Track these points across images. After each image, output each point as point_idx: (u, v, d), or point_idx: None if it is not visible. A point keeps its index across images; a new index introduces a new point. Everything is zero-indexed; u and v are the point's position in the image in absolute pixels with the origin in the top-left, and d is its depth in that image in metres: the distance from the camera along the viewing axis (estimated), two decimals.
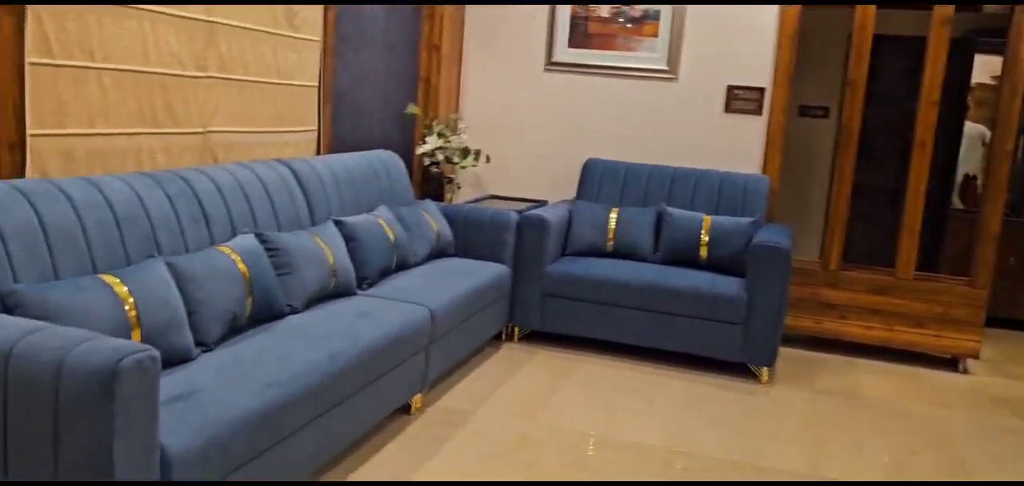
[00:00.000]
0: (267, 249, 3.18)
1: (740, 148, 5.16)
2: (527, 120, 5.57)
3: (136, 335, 2.44)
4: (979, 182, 6.08)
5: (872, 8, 4.76)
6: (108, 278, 2.48)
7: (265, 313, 3.05)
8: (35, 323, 2.10)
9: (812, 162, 6.45)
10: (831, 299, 4.92)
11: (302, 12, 4.09)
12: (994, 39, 5.82)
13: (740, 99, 5.19)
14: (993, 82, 6.50)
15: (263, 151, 3.96)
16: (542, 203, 5.36)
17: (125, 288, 2.47)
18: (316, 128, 4.37)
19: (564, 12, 5.45)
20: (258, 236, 3.20)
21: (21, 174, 2.73)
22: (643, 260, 4.78)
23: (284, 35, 3.98)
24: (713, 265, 4.64)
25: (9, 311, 2.25)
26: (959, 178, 6.07)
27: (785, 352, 4.79)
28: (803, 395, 4.21)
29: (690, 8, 5.19)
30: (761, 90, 5.11)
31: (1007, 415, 4.16)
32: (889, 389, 4.40)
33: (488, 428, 3.50)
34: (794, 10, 4.93)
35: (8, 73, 2.65)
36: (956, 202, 6.02)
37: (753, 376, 4.36)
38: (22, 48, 2.66)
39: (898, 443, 3.70)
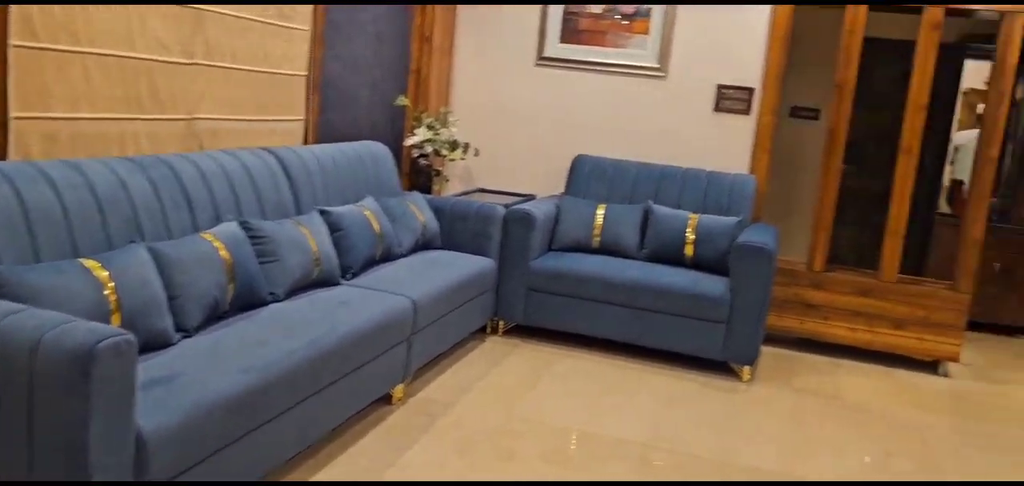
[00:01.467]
0: (251, 237, 3.19)
1: (728, 147, 5.18)
2: (517, 115, 5.58)
3: (115, 319, 2.45)
4: (967, 188, 6.10)
5: (863, 10, 4.78)
6: (88, 262, 2.49)
7: (247, 300, 3.06)
8: (13, 305, 2.11)
9: (802, 164, 6.47)
10: (815, 300, 4.95)
11: None
12: (985, 45, 5.86)
13: (729, 99, 5.21)
14: (985, 88, 6.55)
15: (250, 139, 3.97)
16: (530, 197, 5.37)
17: (106, 272, 2.49)
18: (304, 117, 4.37)
19: (557, 8, 5.46)
20: (242, 223, 3.21)
21: (3, 157, 2.74)
22: (629, 257, 4.80)
23: (273, 23, 3.99)
24: (698, 264, 4.66)
25: None
26: (946, 183, 6.10)
27: (768, 351, 4.82)
28: (784, 394, 4.23)
29: (682, 7, 5.20)
30: (750, 90, 5.13)
31: (985, 421, 4.20)
32: (869, 390, 4.43)
33: (468, 419, 3.52)
34: (787, 11, 4.95)
35: None
36: (943, 207, 6.05)
37: (735, 375, 4.39)
38: (6, 31, 2.67)
39: (876, 445, 3.73)
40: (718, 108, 5.22)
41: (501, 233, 4.64)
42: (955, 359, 4.76)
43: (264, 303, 3.15)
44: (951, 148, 6.13)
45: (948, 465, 3.60)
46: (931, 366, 4.86)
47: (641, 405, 3.89)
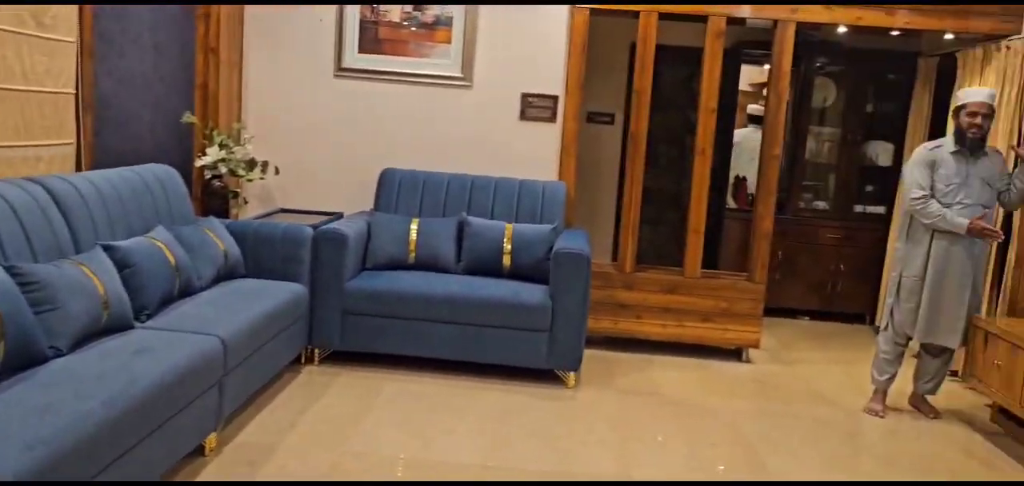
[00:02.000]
0: (20, 284, 2.71)
1: (536, 155, 5.19)
2: (318, 129, 5.28)
3: None
4: (751, 184, 6.56)
5: (654, 19, 4.97)
6: None
7: (22, 358, 2.59)
8: None
9: (600, 167, 6.66)
10: (627, 300, 5.08)
11: (53, 9, 3.57)
12: (756, 51, 6.34)
13: (534, 107, 5.23)
14: (751, 89, 7.09)
15: (10, 168, 3.41)
16: (338, 216, 5.09)
17: None
18: (75, 140, 3.84)
19: (353, 15, 5.22)
20: (8, 268, 2.72)
21: None
22: (447, 271, 4.67)
23: (31, 35, 3.45)
24: (517, 273, 4.62)
25: None
26: (731, 179, 6.52)
27: (588, 354, 4.87)
28: (609, 397, 4.29)
29: (483, 16, 5.15)
30: (554, 98, 5.18)
31: (787, 401, 4.49)
32: (685, 384, 4.60)
33: (293, 463, 3.22)
34: (582, 18, 5.04)
35: None
36: (730, 202, 6.46)
37: (561, 382, 4.39)
38: None
39: (698, 437, 3.86)
40: (524, 116, 5.23)
41: (311, 255, 4.34)
42: (756, 345, 5.07)
43: (45, 359, 2.68)
44: (742, 148, 6.56)
45: (763, 449, 3.79)
46: (736, 354, 5.15)
47: (472, 424, 3.77)
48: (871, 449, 3.93)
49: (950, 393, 4.56)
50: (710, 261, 6.12)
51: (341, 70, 5.26)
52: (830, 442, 3.94)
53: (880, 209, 6.27)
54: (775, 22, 4.95)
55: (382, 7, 5.20)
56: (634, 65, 6.34)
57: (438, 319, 4.34)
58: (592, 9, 5.04)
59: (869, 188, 6.37)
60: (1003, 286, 4.56)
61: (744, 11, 4.94)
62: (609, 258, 6.10)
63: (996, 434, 4.13)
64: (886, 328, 4.37)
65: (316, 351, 4.43)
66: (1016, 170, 4.18)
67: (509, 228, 4.71)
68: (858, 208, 6.32)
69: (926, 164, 4.17)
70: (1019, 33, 4.79)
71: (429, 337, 4.35)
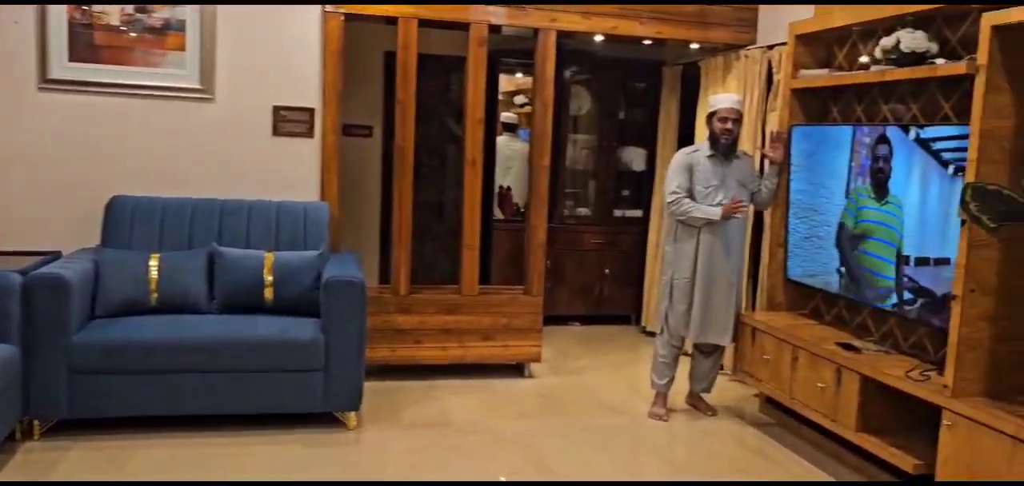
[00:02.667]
0: None
1: (294, 174, 4.69)
2: (21, 152, 4.37)
3: None
4: (515, 193, 6.50)
5: (414, 26, 4.70)
6: None
7: None
8: None
9: (360, 184, 6.27)
10: (404, 325, 4.75)
11: None
12: (510, 60, 6.30)
13: (289, 121, 4.73)
14: (502, 97, 7.06)
15: None
16: (55, 255, 4.23)
17: None
18: None
19: (58, 17, 4.38)
20: None
21: None
22: (198, 312, 4.05)
23: None
24: (282, 307, 4.12)
25: None
26: (496, 190, 6.41)
27: (366, 388, 4.47)
28: (396, 434, 3.94)
29: (223, 19, 4.56)
30: (311, 111, 4.71)
31: (575, 413, 4.41)
32: (472, 408, 4.36)
33: None
34: (336, 24, 4.63)
35: None
36: (497, 213, 6.36)
37: (341, 424, 3.96)
38: None
39: (494, 466, 3.63)
40: (278, 131, 4.70)
41: (22, 307, 3.55)
42: (537, 359, 4.97)
43: None
44: (506, 158, 6.47)
45: (560, 466, 3.65)
46: (517, 369, 5.00)
47: None
48: (660, 453, 3.94)
49: (720, 389, 4.74)
50: (481, 274, 5.96)
51: (48, 82, 4.40)
52: (621, 451, 3.91)
53: (637, 212, 6.48)
54: (536, 30, 4.88)
55: (95, 7, 4.43)
56: (390, 74, 6.11)
57: (191, 369, 3.74)
58: (347, 14, 4.65)
59: (626, 192, 6.57)
60: (759, 281, 4.82)
61: (503, 18, 4.80)
62: (376, 281, 5.74)
63: (767, 424, 4.33)
64: (661, 332, 4.44)
65: (36, 424, 3.63)
66: (767, 172, 4.42)
67: (269, 257, 4.19)
68: (617, 212, 6.49)
69: (684, 168, 4.29)
70: (754, 42, 5.11)
71: (182, 391, 3.74)
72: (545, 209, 4.99)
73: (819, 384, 3.69)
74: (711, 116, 4.32)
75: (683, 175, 4.28)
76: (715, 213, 4.19)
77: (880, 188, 3.74)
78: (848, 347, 3.67)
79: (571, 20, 4.89)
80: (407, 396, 4.48)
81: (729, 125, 4.24)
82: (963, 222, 2.95)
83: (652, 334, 6.08)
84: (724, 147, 4.27)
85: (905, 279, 3.58)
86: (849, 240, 3.95)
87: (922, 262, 3.50)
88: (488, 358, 4.88)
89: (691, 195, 4.27)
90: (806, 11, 4.44)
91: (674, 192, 4.27)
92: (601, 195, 6.50)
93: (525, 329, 4.92)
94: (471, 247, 4.86)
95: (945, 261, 3.36)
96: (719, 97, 4.39)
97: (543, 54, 4.89)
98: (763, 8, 5.08)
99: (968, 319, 2.95)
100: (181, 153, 4.56)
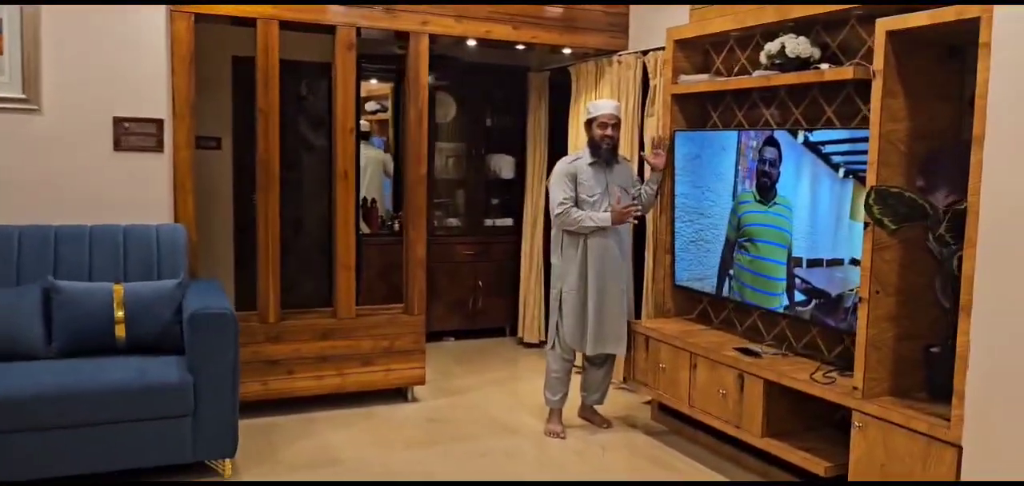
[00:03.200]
0: None
1: (141, 194, 4.15)
2: None
3: None
4: (379, 205, 6.18)
5: (275, 29, 4.31)
6: None
7: None
8: None
9: (210, 201, 5.74)
10: (276, 355, 4.35)
11: None
12: (368, 65, 5.98)
13: (133, 134, 4.20)
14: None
15: None
16: None
17: None
18: None
19: None
20: None
21: None
22: (33, 358, 3.50)
23: None
24: (136, 346, 3.63)
25: None
26: (360, 202, 6.07)
27: (240, 427, 4.05)
28: (277, 478, 3.55)
29: (48, 17, 3.97)
30: (159, 122, 4.20)
31: (470, 437, 4.18)
32: (358, 442, 4.04)
33: None
34: (185, 26, 4.16)
35: None
36: (364, 228, 6.01)
37: (214, 472, 3.53)
38: None
39: None
40: (120, 146, 4.16)
41: None
42: (421, 382, 4.69)
43: None
44: (366, 168, 6.13)
45: None
46: (400, 393, 4.70)
47: None
48: (566, 472, 3.79)
49: (607, 399, 4.66)
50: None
51: None
52: (527, 473, 3.72)
53: (508, 221, 6.34)
54: (408, 34, 4.61)
55: None
56: (240, 80, 5.65)
57: (28, 427, 3.20)
58: (197, 15, 4.20)
59: (495, 201, 6.42)
60: (644, 288, 4.79)
61: (373, 20, 4.50)
62: (233, 307, 5.25)
63: (663, 433, 4.28)
64: (553, 346, 4.30)
65: None
66: (649, 177, 4.38)
67: (118, 289, 3.69)
68: (488, 222, 6.32)
69: (568, 177, 4.18)
70: (626, 47, 5.09)
71: (20, 454, 3.19)
72: (424, 222, 4.73)
73: (721, 391, 3.66)
74: (591, 122, 4.23)
75: (568, 184, 4.17)
76: (605, 219, 4.10)
77: (767, 191, 3.77)
78: (747, 352, 3.67)
79: (444, 24, 4.67)
80: (284, 433, 4.08)
81: (610, 131, 4.16)
82: (866, 225, 2.98)
83: (531, 345, 5.99)
84: (606, 154, 4.19)
85: (798, 280, 3.62)
86: (737, 243, 3.97)
87: (815, 263, 3.55)
88: (369, 385, 4.55)
89: (577, 204, 4.17)
90: (676, 14, 4.44)
91: (561, 203, 4.15)
92: (471, 205, 6.30)
93: (407, 351, 4.64)
94: (347, 266, 4.52)
95: (838, 262, 3.41)
96: (599, 103, 4.31)
97: (416, 59, 4.63)
98: (634, 10, 5.07)
99: (874, 320, 2.98)
100: (1, 173, 3.93)
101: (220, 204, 5.78)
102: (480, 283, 6.20)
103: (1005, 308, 2.48)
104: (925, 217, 2.90)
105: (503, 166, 6.37)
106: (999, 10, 2.49)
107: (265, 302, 4.36)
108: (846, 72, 3.29)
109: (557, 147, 5.82)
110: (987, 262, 2.53)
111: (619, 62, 5.05)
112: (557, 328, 4.28)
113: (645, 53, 4.81)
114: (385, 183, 6.44)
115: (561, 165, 4.28)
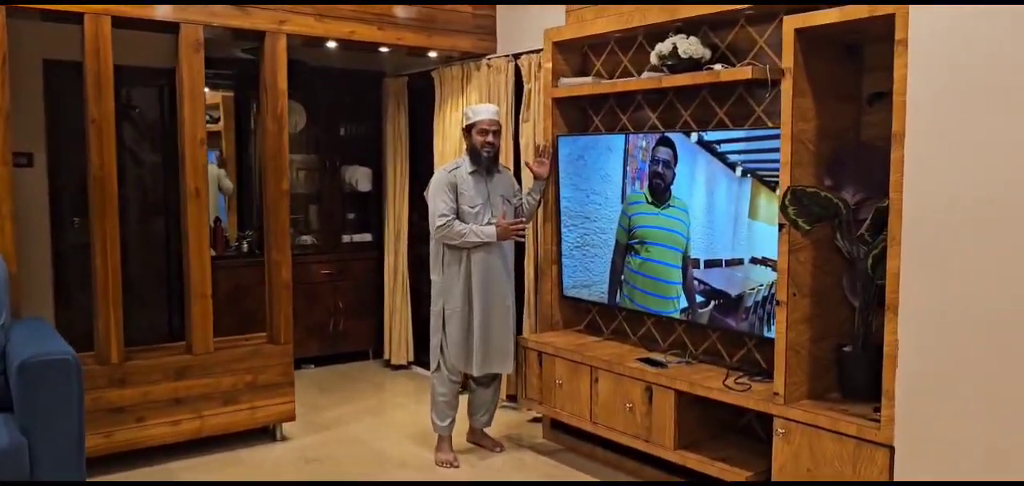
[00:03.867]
0: None
1: None
2: None
3: None
4: (226, 226, 5.62)
5: (108, 26, 3.75)
6: None
7: None
8: None
9: (22, 226, 4.95)
10: (121, 401, 3.76)
11: None
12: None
13: None
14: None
15: None
16: None
17: None
18: None
19: None
20: None
21: None
22: None
23: None
24: None
25: None
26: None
27: None
28: None
29: None
30: None
31: (357, 475, 3.79)
32: None
33: None
34: None
35: None
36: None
37: None
38: None
39: None
40: None
41: None
42: (291, 417, 4.23)
43: None
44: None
45: None
46: (268, 433, 4.22)
47: None
48: None
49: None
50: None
51: None
52: None
53: (367, 236, 5.97)
54: (263, 33, 4.17)
55: None
56: (53, 87, 4.96)
57: None
58: (8, 9, 3.57)
59: (352, 216, 6.01)
60: (526, 301, 4.59)
61: (224, 18, 4.02)
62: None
63: (558, 452, 4.09)
64: (438, 369, 4.01)
65: None
66: (531, 187, 4.20)
67: None
68: (346, 238, 5.91)
69: (448, 187, 3.93)
70: (494, 51, 4.90)
71: None
72: (288, 242, 4.29)
73: (627, 405, 3.52)
74: (470, 129, 3.99)
75: (448, 195, 3.91)
76: (491, 234, 3.88)
77: (661, 193, 3.69)
78: (652, 363, 3.55)
79: (304, 23, 4.26)
80: None
81: (491, 138, 3.95)
82: (781, 226, 2.93)
83: (400, 367, 5.65)
84: (486, 161, 3.97)
85: (696, 282, 3.55)
86: (628, 247, 3.86)
87: (713, 264, 3.49)
88: (232, 426, 4.05)
89: (458, 216, 3.92)
90: (545, 16, 4.29)
91: (443, 215, 3.88)
92: (326, 220, 5.86)
93: (274, 385, 4.17)
94: (203, 295, 4.00)
95: (738, 261, 3.37)
96: (478, 108, 4.08)
97: (272, 61, 4.20)
98: (501, 10, 4.87)
99: (792, 323, 2.94)
100: None
101: (34, 229, 5.01)
102: (340, 304, 5.78)
103: (933, 306, 2.48)
104: (837, 216, 2.89)
105: (360, 178, 5.98)
106: (915, 8, 2.49)
107: (106, 340, 3.77)
108: (744, 72, 3.26)
109: (420, 157, 5.53)
110: (912, 260, 2.53)
111: (489, 66, 4.84)
112: (441, 349, 4.00)
113: (518, 56, 4.63)
114: (220, 200, 5.83)
115: (440, 175, 4.01)
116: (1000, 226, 2.34)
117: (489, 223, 3.94)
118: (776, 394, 2.96)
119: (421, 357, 5.63)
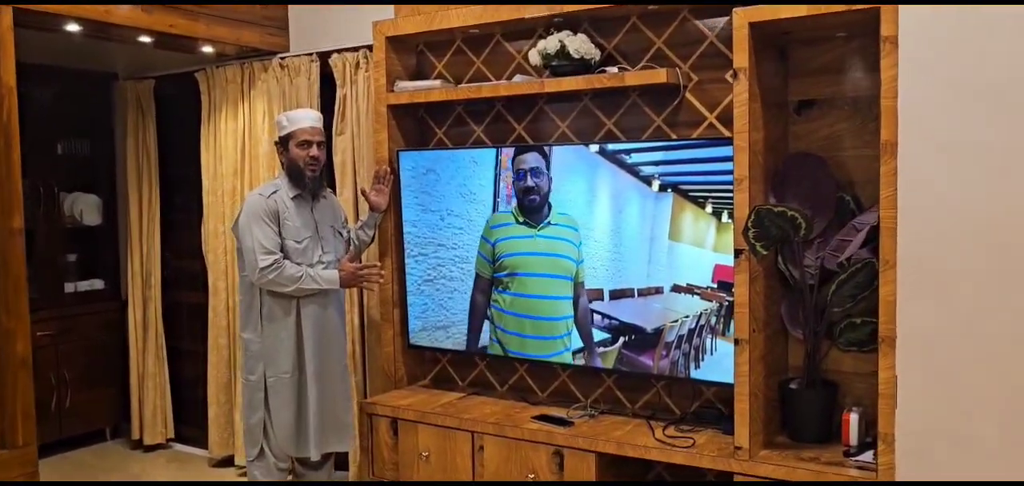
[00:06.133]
0: None
1: None
2: None
3: None
4: None
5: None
6: None
7: None
8: None
9: None
10: None
11: None
12: None
13: None
14: None
15: None
16: None
17: None
18: None
19: None
20: None
21: None
22: None
23: None
24: None
25: None
26: None
27: None
28: None
29: None
30: None
31: None
32: None
33: None
34: None
35: None
36: None
37: None
38: None
39: None
40: None
41: None
42: None
43: None
44: None
45: None
46: None
47: None
48: None
49: None
50: None
51: None
52: None
53: (98, 283, 4.64)
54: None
55: None
56: None
57: None
58: None
59: (75, 257, 4.63)
60: (350, 354, 3.72)
61: None
62: None
63: None
64: (260, 456, 3.09)
65: None
66: (366, 218, 3.42)
67: None
68: (70, 287, 4.53)
69: (268, 217, 3.05)
70: (287, 50, 4.01)
71: None
72: (25, 300, 3.03)
73: (529, 475, 2.88)
74: (286, 140, 3.14)
75: (270, 227, 3.04)
76: (334, 279, 3.07)
77: (535, 212, 3.13)
78: (552, 420, 2.96)
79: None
80: None
81: (314, 150, 3.14)
82: (738, 252, 2.52)
83: (156, 447, 4.44)
84: (312, 183, 3.14)
85: (597, 317, 3.04)
86: (493, 280, 3.24)
87: (621, 294, 3.00)
88: None
89: (283, 252, 3.04)
90: (365, 11, 3.56)
91: (269, 253, 2.99)
92: (43, 265, 4.43)
93: None
94: None
95: (655, 290, 2.92)
96: (296, 114, 3.23)
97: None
98: (292, 7, 4.01)
99: (753, 363, 2.53)
100: None
101: None
102: (66, 373, 4.40)
103: (936, 336, 2.20)
104: (792, 238, 2.54)
105: (85, 208, 4.63)
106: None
107: None
108: (659, 74, 2.82)
109: (177, 182, 4.42)
110: (912, 286, 2.23)
111: (283, 66, 3.93)
112: (264, 430, 3.08)
113: (327, 55, 3.79)
114: None
115: (255, 201, 3.09)
116: (1011, 244, 2.11)
117: (320, 262, 3.10)
118: (739, 448, 2.52)
119: (185, 432, 4.50)
